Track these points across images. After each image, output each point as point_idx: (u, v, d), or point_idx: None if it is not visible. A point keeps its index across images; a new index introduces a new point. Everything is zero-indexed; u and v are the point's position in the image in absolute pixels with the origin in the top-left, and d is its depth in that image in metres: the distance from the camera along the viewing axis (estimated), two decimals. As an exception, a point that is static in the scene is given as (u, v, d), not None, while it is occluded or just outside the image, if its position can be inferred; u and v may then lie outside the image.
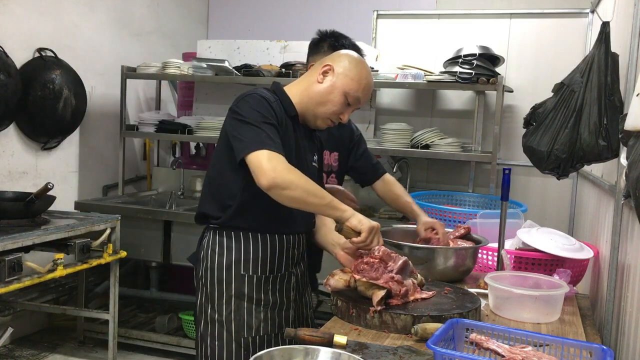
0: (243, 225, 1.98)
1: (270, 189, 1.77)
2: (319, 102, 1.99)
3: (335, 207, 1.83)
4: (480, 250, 2.48)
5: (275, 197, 1.79)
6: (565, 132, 2.43)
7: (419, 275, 1.95)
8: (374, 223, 1.85)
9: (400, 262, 1.84)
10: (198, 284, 2.05)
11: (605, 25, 2.40)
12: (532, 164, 2.63)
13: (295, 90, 2.05)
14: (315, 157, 2.15)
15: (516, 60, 4.40)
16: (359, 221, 1.83)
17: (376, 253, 1.84)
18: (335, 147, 2.61)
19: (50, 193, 3.03)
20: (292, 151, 1.98)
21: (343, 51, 2.07)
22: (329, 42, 2.45)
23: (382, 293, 1.75)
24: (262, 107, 1.90)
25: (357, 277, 1.82)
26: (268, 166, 1.76)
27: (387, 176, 2.68)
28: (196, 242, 2.12)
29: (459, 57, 3.90)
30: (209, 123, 4.18)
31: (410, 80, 3.91)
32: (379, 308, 1.72)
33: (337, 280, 1.89)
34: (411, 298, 1.82)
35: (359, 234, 1.82)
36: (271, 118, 1.88)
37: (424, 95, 4.59)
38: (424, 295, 1.86)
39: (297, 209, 1.84)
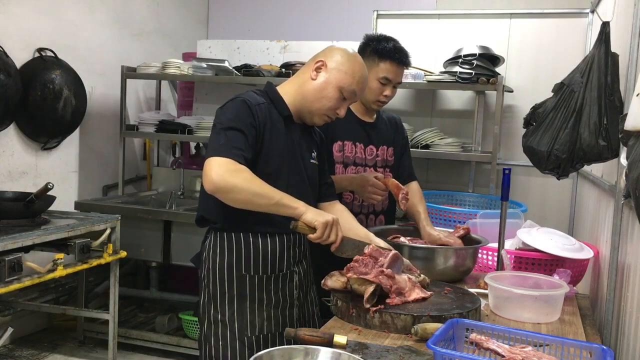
0: (242, 227, 1.99)
1: (214, 192, 1.80)
2: (314, 98, 1.99)
3: (285, 205, 1.83)
4: (480, 250, 2.48)
5: (222, 200, 1.82)
6: (565, 132, 2.43)
7: (421, 274, 1.95)
8: (329, 217, 1.84)
9: (390, 255, 1.84)
10: (201, 285, 2.06)
11: (605, 25, 2.40)
12: (532, 164, 2.63)
13: (288, 89, 2.05)
14: (315, 154, 2.14)
15: (516, 60, 4.39)
16: (313, 217, 1.82)
17: (367, 251, 1.84)
18: (391, 142, 2.65)
19: (50, 193, 3.03)
20: (285, 151, 1.98)
21: (336, 46, 2.07)
22: (372, 46, 2.45)
23: (371, 288, 1.75)
24: (237, 112, 1.90)
25: (348, 275, 1.82)
26: (212, 172, 1.78)
27: (414, 184, 2.70)
28: (196, 242, 2.13)
29: (459, 57, 3.90)
30: (209, 123, 4.17)
31: (410, 80, 3.91)
32: (368, 305, 1.72)
33: (335, 281, 1.89)
34: (410, 298, 1.82)
35: (314, 229, 1.82)
36: (242, 123, 1.88)
37: (424, 95, 4.59)
38: (422, 295, 1.86)
39: (249, 209, 1.84)
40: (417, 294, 1.84)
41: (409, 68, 2.58)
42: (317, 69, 2.00)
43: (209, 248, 2.03)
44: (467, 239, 2.42)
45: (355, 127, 2.53)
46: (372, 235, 2.07)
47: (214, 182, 1.77)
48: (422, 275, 1.95)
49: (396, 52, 2.43)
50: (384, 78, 2.43)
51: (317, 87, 1.99)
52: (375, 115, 2.63)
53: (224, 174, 1.77)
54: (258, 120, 1.92)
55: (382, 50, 2.42)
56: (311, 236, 1.83)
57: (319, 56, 2.03)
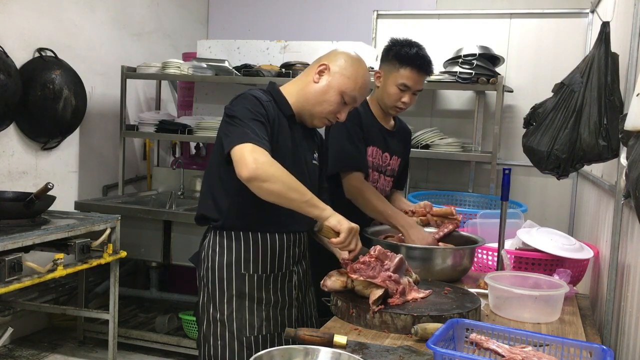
0: (242, 225, 1.98)
1: (250, 180, 1.75)
2: (316, 101, 1.99)
3: (314, 205, 1.81)
4: (480, 250, 2.49)
5: (255, 189, 1.77)
6: (565, 132, 2.43)
7: (413, 273, 1.96)
8: (354, 224, 1.83)
9: (397, 260, 1.85)
10: (200, 285, 2.05)
11: (605, 25, 2.40)
12: (532, 164, 2.63)
13: (291, 90, 2.05)
14: (316, 155, 2.15)
15: (516, 60, 4.40)
16: (338, 221, 1.80)
17: (373, 252, 1.84)
18: (401, 154, 2.66)
19: (50, 193, 3.03)
20: (289, 151, 1.98)
21: (340, 49, 2.06)
22: (394, 50, 2.43)
23: (379, 292, 1.75)
24: (252, 105, 1.90)
25: (354, 276, 1.82)
26: (250, 158, 1.74)
27: (399, 193, 2.77)
28: (196, 242, 2.13)
29: (459, 57, 3.90)
30: (209, 123, 4.18)
31: (410, 80, 3.90)
32: (375, 308, 1.72)
33: (334, 281, 1.89)
34: (409, 297, 1.82)
35: (338, 234, 1.80)
36: (260, 115, 1.88)
37: (424, 95, 4.58)
38: (421, 295, 1.86)
39: (277, 204, 1.80)
40: (414, 295, 1.85)
41: (430, 75, 2.56)
42: (320, 72, 1.99)
43: (208, 247, 2.03)
44: (463, 238, 2.42)
45: (377, 133, 2.54)
46: None
47: (254, 170, 1.73)
48: (414, 275, 1.96)
49: (417, 59, 2.40)
50: (402, 84, 2.40)
51: (319, 90, 1.98)
52: (393, 123, 2.64)
53: (264, 162, 1.74)
54: (269, 116, 1.92)
55: (404, 55, 2.39)
56: (333, 240, 1.81)
57: (323, 59, 2.03)
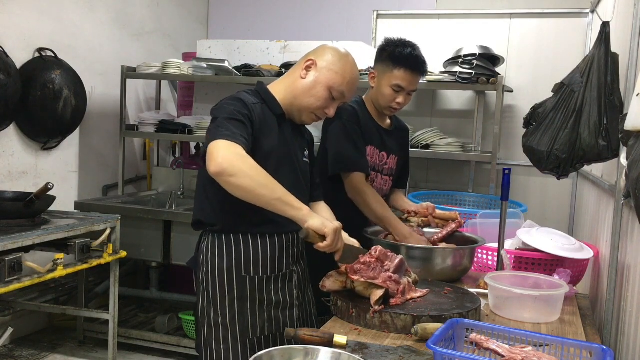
0: (240, 228, 1.98)
1: (218, 175, 1.71)
2: (303, 97, 1.98)
3: (288, 203, 1.74)
4: (480, 250, 2.49)
5: (223, 185, 1.74)
6: (565, 132, 2.43)
7: (413, 273, 1.96)
8: (337, 223, 1.79)
9: (397, 261, 1.85)
10: (199, 288, 2.04)
11: (605, 25, 2.40)
12: (532, 164, 2.63)
13: (279, 88, 2.04)
14: (307, 153, 2.14)
15: (516, 60, 4.40)
16: (322, 223, 1.73)
17: (374, 253, 1.84)
18: (398, 152, 2.66)
19: (50, 193, 3.03)
20: (280, 150, 1.97)
21: (327, 45, 2.06)
22: (388, 50, 2.42)
23: (380, 293, 1.75)
24: (234, 106, 1.89)
25: (355, 278, 1.81)
26: (218, 153, 1.72)
27: (400, 191, 2.78)
28: (196, 243, 2.12)
29: (459, 57, 3.90)
30: (209, 123, 4.17)
31: (410, 80, 3.90)
32: (377, 308, 1.72)
33: (333, 282, 1.89)
34: (408, 297, 1.82)
35: (322, 237, 1.73)
36: (240, 115, 1.86)
37: (424, 95, 4.59)
38: (418, 294, 1.86)
39: (247, 201, 1.75)
40: (412, 294, 1.85)
41: (425, 75, 2.55)
42: (307, 68, 1.99)
43: (206, 251, 2.01)
44: (463, 238, 2.43)
45: (374, 132, 2.55)
46: (345, 234, 2.02)
47: (220, 164, 1.70)
48: (413, 275, 1.96)
49: (411, 59, 2.39)
50: (396, 85, 2.40)
51: (306, 85, 1.98)
52: (389, 122, 2.64)
53: (233, 157, 1.71)
54: (254, 118, 1.91)
55: (398, 56, 2.39)
56: (320, 245, 1.74)
57: (310, 55, 2.02)
